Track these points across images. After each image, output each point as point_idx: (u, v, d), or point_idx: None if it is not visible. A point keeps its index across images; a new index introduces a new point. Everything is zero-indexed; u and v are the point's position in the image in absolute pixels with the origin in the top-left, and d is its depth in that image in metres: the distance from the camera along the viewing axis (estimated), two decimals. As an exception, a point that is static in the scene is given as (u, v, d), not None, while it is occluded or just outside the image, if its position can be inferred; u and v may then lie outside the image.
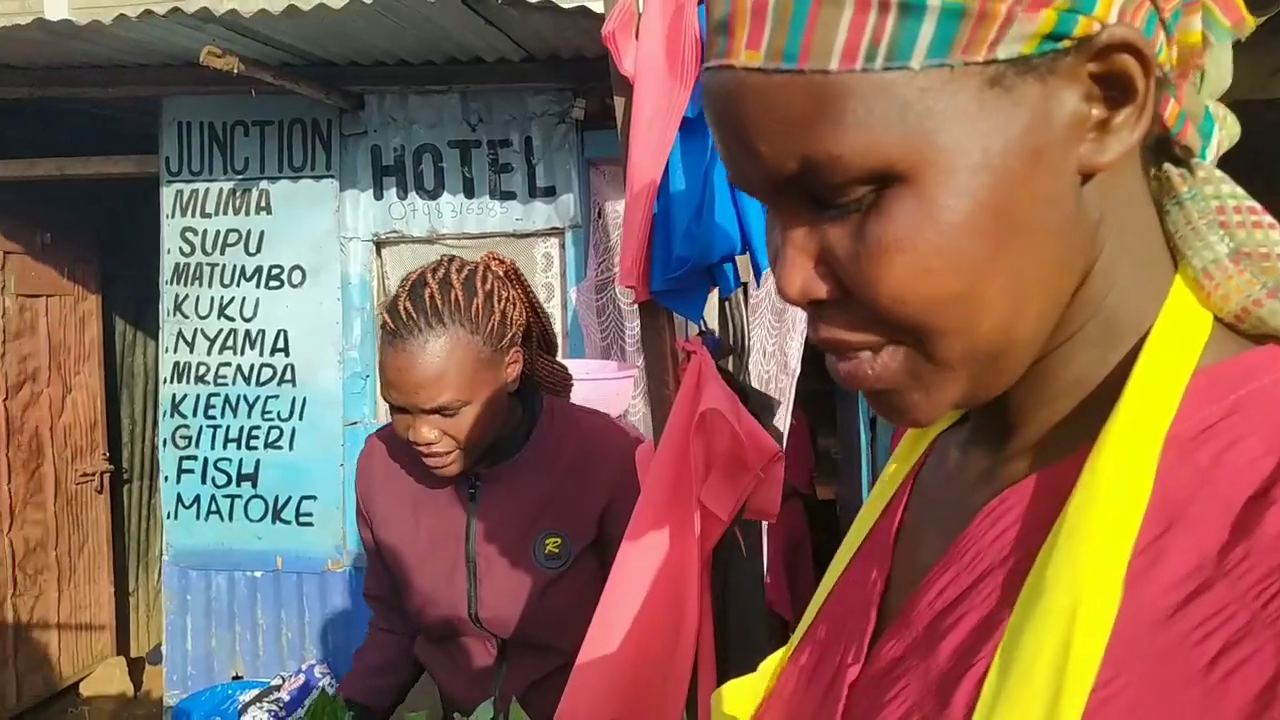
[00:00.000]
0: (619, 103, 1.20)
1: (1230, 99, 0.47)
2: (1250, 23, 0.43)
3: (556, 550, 1.35)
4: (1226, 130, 0.46)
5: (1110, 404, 0.40)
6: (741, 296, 1.60)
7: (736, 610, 1.38)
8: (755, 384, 2.84)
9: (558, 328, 3.33)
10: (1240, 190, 0.44)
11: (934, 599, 0.45)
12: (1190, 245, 0.43)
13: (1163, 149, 0.45)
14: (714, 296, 1.47)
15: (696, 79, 1.13)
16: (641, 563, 1.21)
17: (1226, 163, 0.46)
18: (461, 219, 3.33)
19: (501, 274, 1.34)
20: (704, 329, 1.34)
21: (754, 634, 1.44)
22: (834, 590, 0.57)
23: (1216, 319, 0.43)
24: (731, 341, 1.62)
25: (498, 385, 1.28)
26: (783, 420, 3.23)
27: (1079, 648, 0.35)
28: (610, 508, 1.35)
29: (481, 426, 1.27)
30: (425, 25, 2.78)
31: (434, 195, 3.34)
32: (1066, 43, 0.38)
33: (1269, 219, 0.43)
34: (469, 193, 3.32)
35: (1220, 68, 0.44)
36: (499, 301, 1.27)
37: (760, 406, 1.31)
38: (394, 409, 1.26)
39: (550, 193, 3.28)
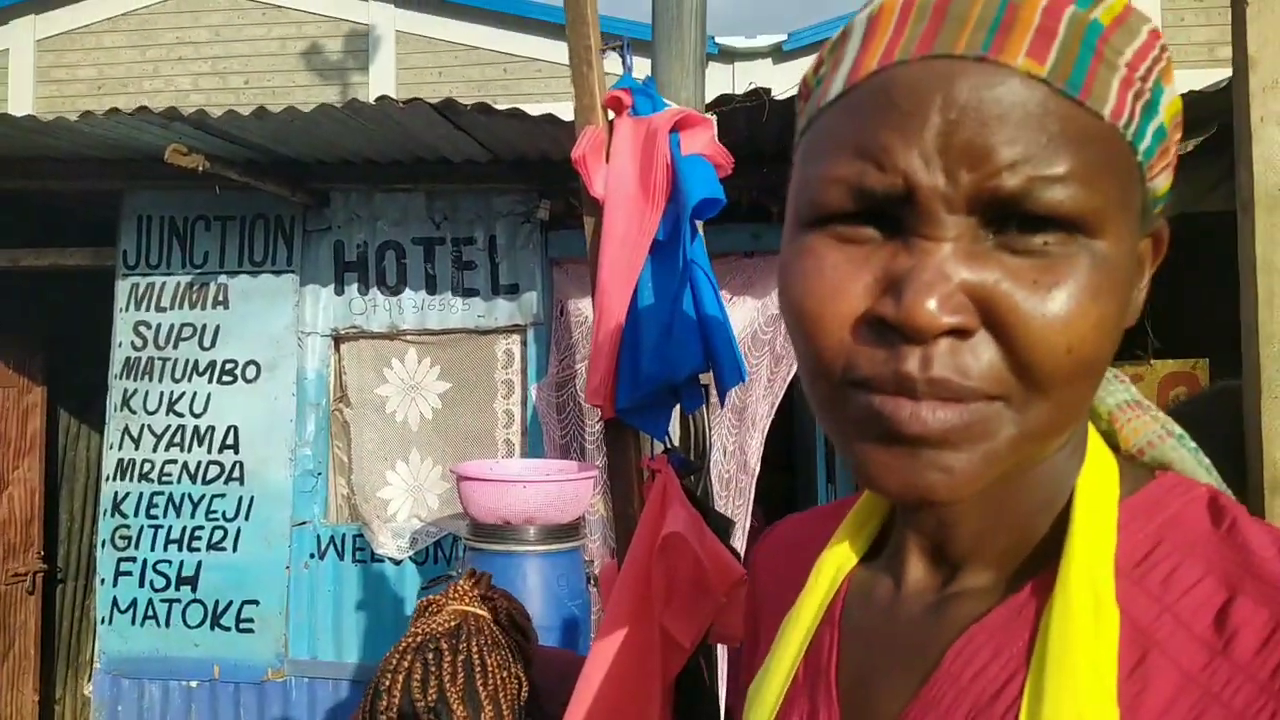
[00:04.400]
0: (588, 223, 1.21)
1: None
2: None
3: None
4: None
5: (1049, 533, 0.46)
6: (704, 405, 1.60)
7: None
8: (715, 483, 2.80)
9: (517, 425, 3.30)
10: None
11: None
12: (1104, 387, 0.50)
13: None
14: (677, 409, 1.47)
15: (668, 203, 1.14)
16: (602, 690, 1.16)
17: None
18: (423, 315, 3.31)
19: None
20: (669, 446, 1.32)
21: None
22: None
23: (1115, 453, 0.49)
24: (693, 452, 1.61)
25: None
26: (743, 519, 3.19)
27: None
28: None
29: None
30: (393, 128, 2.82)
31: (396, 291, 3.33)
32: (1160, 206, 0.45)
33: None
34: (431, 289, 3.32)
35: None
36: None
37: (719, 527, 1.29)
38: None
39: (513, 290, 3.29)
